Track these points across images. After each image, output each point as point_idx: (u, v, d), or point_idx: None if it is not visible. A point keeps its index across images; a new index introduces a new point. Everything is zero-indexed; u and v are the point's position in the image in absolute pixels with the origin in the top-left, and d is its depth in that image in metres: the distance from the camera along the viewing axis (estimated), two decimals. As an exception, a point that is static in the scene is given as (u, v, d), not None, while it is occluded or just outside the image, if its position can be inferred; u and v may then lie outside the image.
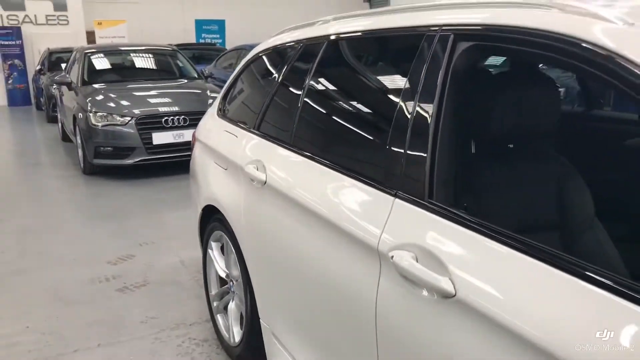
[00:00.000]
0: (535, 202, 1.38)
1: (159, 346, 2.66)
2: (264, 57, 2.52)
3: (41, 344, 2.69)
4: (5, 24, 14.27)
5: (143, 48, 7.86)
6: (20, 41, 14.26)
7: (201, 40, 16.65)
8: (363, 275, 1.40)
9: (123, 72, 7.40)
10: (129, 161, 5.94)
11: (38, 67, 12.62)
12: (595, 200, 1.31)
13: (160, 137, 5.91)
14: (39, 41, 14.22)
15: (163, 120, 5.94)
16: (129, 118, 5.91)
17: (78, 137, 6.38)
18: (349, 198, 1.57)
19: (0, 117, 12.32)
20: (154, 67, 7.71)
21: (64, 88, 7.29)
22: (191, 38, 16.56)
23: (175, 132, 5.96)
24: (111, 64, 7.51)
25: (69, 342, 2.71)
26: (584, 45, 1.05)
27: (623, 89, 0.99)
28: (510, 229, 1.10)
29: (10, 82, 14.34)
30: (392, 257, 1.28)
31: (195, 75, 7.48)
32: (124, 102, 6.16)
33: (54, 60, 11.71)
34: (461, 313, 1.10)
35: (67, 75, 7.18)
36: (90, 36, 15.05)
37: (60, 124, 8.54)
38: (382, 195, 1.42)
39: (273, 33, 2.55)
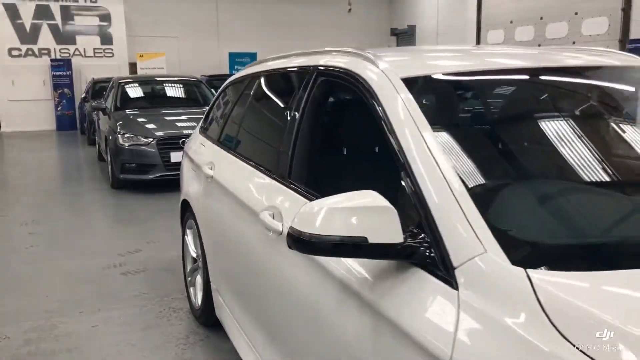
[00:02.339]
0: (343, 182, 1.98)
1: (145, 312, 3.39)
2: (229, 87, 3.28)
3: (54, 307, 3.46)
4: (58, 57, 15.72)
5: (170, 79, 8.84)
6: (70, 72, 15.67)
7: (233, 72, 17.78)
8: (251, 233, 2.10)
9: (152, 99, 8.36)
10: (150, 176, 6.79)
11: (83, 95, 13.87)
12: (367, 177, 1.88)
13: (177, 156, 6.72)
14: (86, 72, 15.58)
15: (180, 141, 6.78)
16: (151, 139, 6.79)
17: (108, 156, 7.30)
18: (256, 185, 2.27)
19: (48, 140, 13.59)
20: (180, 96, 8.65)
21: (100, 113, 8.29)
22: (225, 69, 17.71)
23: (190, 152, 6.79)
24: (141, 92, 8.49)
25: (77, 306, 3.47)
26: (357, 77, 1.72)
27: (376, 108, 1.61)
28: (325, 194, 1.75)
29: (59, 108, 15.72)
30: (259, 215, 1.97)
31: (215, 103, 8.35)
32: (149, 126, 7.06)
33: (97, 89, 12.91)
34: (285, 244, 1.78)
35: (103, 102, 8.17)
36: (133, 67, 16.37)
37: (97, 146, 9.57)
38: (269, 180, 2.12)
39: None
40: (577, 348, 0.90)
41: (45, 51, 15.62)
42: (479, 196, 1.26)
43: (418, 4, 18.28)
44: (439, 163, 1.32)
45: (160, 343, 2.99)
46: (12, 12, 15.13)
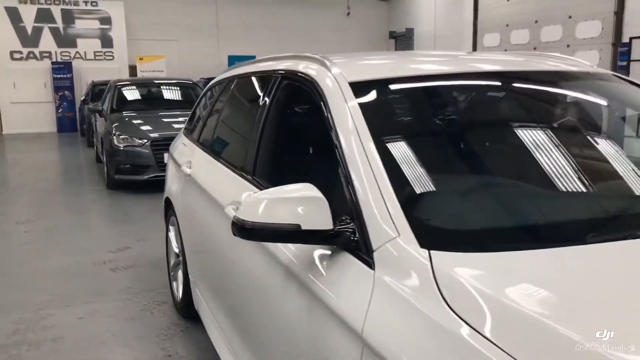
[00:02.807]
0: (297, 177, 2.12)
1: (130, 304, 3.53)
2: (209, 90, 3.42)
3: (43, 301, 3.60)
4: (59, 60, 15.93)
5: (166, 81, 9.00)
6: (71, 74, 15.87)
7: (233, 74, 17.92)
8: (219, 227, 2.23)
9: (147, 101, 8.52)
10: (144, 177, 6.94)
11: (83, 98, 14.06)
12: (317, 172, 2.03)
13: (170, 157, 6.90)
14: (87, 74, 15.76)
15: (174, 142, 6.93)
16: (145, 140, 6.95)
17: (104, 157, 7.46)
18: (225, 181, 2.41)
19: (48, 141, 13.77)
20: (175, 98, 8.81)
21: (97, 115, 8.45)
22: (224, 72, 17.87)
23: (184, 153, 6.95)
24: (137, 95, 8.65)
25: (65, 300, 3.62)
26: (312, 80, 1.86)
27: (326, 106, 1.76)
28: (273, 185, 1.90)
29: (60, 111, 15.92)
30: (225, 209, 2.11)
31: (210, 105, 8.52)
32: (143, 127, 7.22)
33: (97, 91, 13.06)
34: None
35: (99, 104, 8.34)
36: (133, 70, 16.55)
37: (95, 148, 9.73)
38: (236, 177, 2.26)
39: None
40: (460, 317, 1.04)
41: (47, 54, 15.82)
42: (400, 189, 1.40)
43: (416, 7, 18.42)
44: (370, 158, 1.46)
45: (142, 334, 3.13)
46: (14, 16, 15.34)
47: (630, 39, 9.34)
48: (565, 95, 2.09)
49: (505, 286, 1.10)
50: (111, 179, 7.16)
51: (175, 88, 8.94)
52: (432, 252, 1.19)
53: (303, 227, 1.35)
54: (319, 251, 1.47)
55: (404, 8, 19.16)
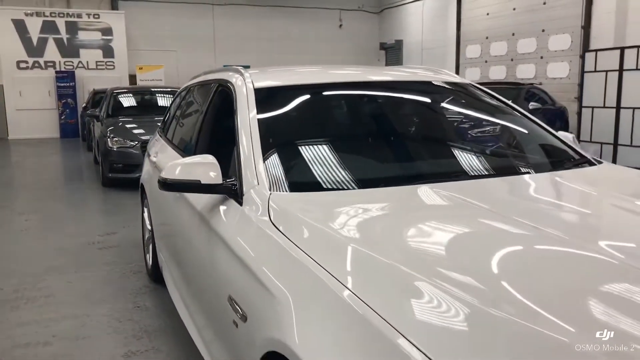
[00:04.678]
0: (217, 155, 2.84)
1: (111, 273, 4.26)
2: (177, 96, 4.17)
3: (39, 271, 4.33)
4: (62, 69, 16.77)
5: (158, 89, 9.76)
6: (74, 83, 16.71)
7: (229, 83, 18.71)
8: (167, 198, 2.96)
9: (141, 108, 9.29)
10: (135, 175, 7.64)
11: (84, 105, 14.86)
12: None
13: (159, 157, 7.65)
14: (89, 83, 16.59)
15: (162, 144, 7.69)
16: (136, 142, 7.70)
17: (100, 158, 8.21)
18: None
19: (52, 146, 14.56)
20: (167, 105, 9.54)
21: (95, 120, 9.22)
22: (220, 81, 18.65)
23: (171, 154, 7.70)
24: (132, 101, 9.42)
25: (58, 270, 4.35)
26: (231, 85, 2.60)
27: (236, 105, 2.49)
28: None
29: (63, 117, 16.75)
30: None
31: (198, 111, 9.30)
32: (135, 131, 7.98)
33: (97, 99, 13.85)
34: (182, 198, 2.65)
35: (97, 110, 9.11)
36: (133, 79, 17.38)
37: (93, 151, 10.50)
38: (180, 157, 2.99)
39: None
40: (281, 232, 1.75)
41: (51, 64, 16.67)
42: (267, 156, 2.13)
43: (405, 20, 19.23)
44: (252, 138, 2.19)
45: (119, 292, 3.86)
46: (21, 28, 16.21)
47: (584, 52, 10.05)
48: (421, 96, 2.84)
49: (303, 209, 1.83)
50: (106, 177, 7.91)
51: (168, 95, 9.69)
52: (272, 193, 1.92)
53: (202, 182, 2.07)
54: (215, 199, 2.20)
55: (393, 21, 19.97)
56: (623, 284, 1.31)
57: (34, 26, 16.36)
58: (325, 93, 2.66)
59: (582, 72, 9.43)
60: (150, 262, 4.01)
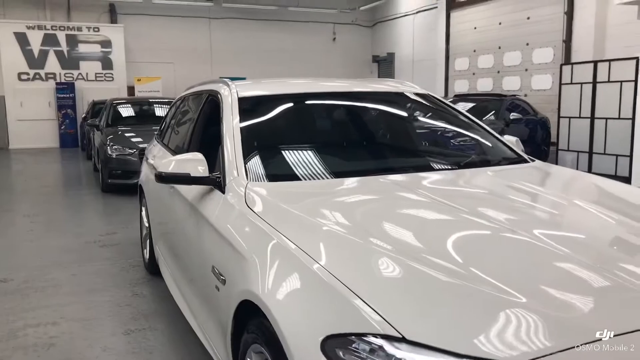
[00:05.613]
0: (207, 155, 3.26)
1: (111, 267, 4.66)
2: (172, 105, 4.59)
3: (46, 264, 4.73)
4: (63, 80, 17.23)
5: (155, 100, 10.20)
6: (73, 94, 17.16)
7: (225, 95, 19.16)
8: (163, 193, 3.37)
9: (139, 117, 9.72)
10: (134, 181, 8.05)
11: (84, 115, 15.28)
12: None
13: (156, 164, 8.06)
14: (88, 94, 17.03)
15: (159, 152, 8.11)
16: (134, 150, 8.11)
17: (100, 165, 8.62)
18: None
19: (52, 155, 14.97)
20: (163, 114, 9.98)
21: (95, 129, 9.64)
22: (217, 92, 19.11)
23: (167, 161, 8.13)
24: (130, 112, 9.85)
25: (63, 264, 4.74)
26: (218, 95, 3.03)
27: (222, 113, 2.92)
28: None
29: (62, 127, 17.18)
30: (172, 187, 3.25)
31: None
32: (133, 139, 8.40)
33: (96, 110, 14.26)
34: (177, 192, 3.07)
35: (97, 120, 9.54)
36: (131, 90, 17.83)
37: (93, 159, 10.91)
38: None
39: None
40: (253, 211, 2.16)
41: (52, 75, 17.12)
42: (246, 154, 2.54)
43: (396, 34, 19.79)
44: (234, 139, 2.61)
45: (119, 283, 4.25)
46: (23, 40, 16.69)
47: (561, 65, 10.53)
48: (381, 104, 3.29)
49: (271, 194, 2.26)
50: (105, 183, 8.32)
51: (164, 106, 10.12)
52: (248, 183, 2.34)
53: (192, 175, 2.49)
54: (203, 190, 2.61)
55: (385, 34, 20.53)
56: (520, 242, 1.76)
57: (36, 39, 16.83)
58: (298, 101, 3.09)
59: (560, 84, 9.90)
60: (147, 256, 4.41)
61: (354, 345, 1.38)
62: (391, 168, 2.67)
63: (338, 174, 2.53)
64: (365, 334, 1.37)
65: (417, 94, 3.36)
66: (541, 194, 2.39)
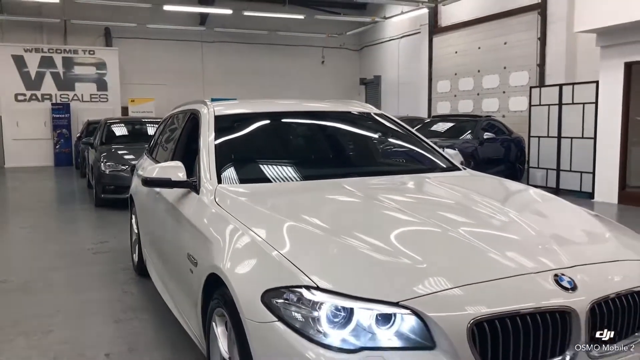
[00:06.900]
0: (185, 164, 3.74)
1: (103, 270, 5.11)
2: (161, 123, 5.10)
3: (44, 267, 5.18)
4: (58, 101, 17.75)
5: (147, 119, 10.72)
6: (69, 114, 17.67)
7: (216, 115, 19.72)
8: (149, 199, 3.85)
9: (131, 136, 10.21)
10: (125, 195, 8.49)
11: (78, 135, 15.77)
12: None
13: (147, 180, 8.54)
14: (83, 114, 17.53)
15: (150, 168, 8.60)
16: (127, 166, 8.60)
17: (93, 181, 9.09)
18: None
19: (47, 173, 15.41)
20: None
21: (89, 147, 10.12)
22: (208, 113, 19.66)
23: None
24: (123, 131, 10.36)
25: (59, 268, 5.19)
26: (198, 113, 3.54)
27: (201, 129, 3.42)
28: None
29: (57, 147, 17.65)
30: (157, 193, 3.74)
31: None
32: (126, 156, 8.89)
33: (91, 129, 14.76)
34: (161, 196, 3.56)
35: (91, 139, 10.03)
36: (125, 111, 18.37)
37: (87, 176, 11.36)
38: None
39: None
40: (220, 205, 2.65)
41: (48, 96, 17.65)
42: (219, 163, 3.04)
43: (382, 58, 20.52)
44: (209, 149, 3.11)
45: (110, 283, 4.71)
46: (20, 63, 17.24)
47: (530, 88, 11.14)
48: (342, 122, 3.81)
49: (236, 193, 2.76)
50: (99, 198, 8.78)
51: (156, 125, 10.63)
52: (218, 185, 2.84)
53: (172, 179, 2.99)
54: (181, 192, 3.10)
55: (372, 58, 21.27)
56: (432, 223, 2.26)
57: (33, 61, 17.39)
58: (267, 119, 3.62)
59: (530, 105, 10.50)
60: (136, 259, 4.87)
61: (284, 296, 1.87)
62: (343, 173, 3.18)
63: (291, 178, 3.04)
64: (292, 287, 1.86)
65: (375, 114, 3.89)
66: (454, 191, 2.89)
